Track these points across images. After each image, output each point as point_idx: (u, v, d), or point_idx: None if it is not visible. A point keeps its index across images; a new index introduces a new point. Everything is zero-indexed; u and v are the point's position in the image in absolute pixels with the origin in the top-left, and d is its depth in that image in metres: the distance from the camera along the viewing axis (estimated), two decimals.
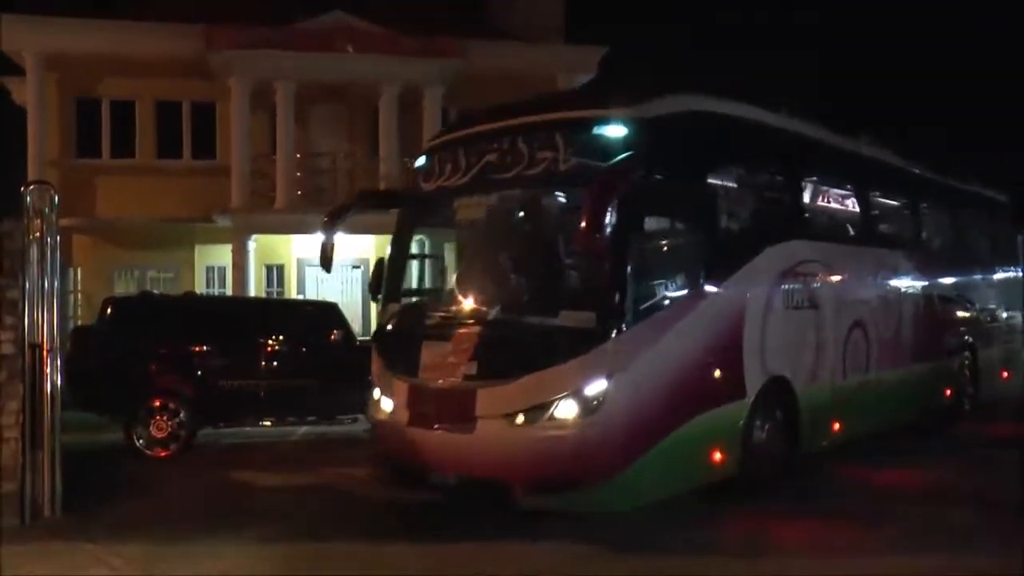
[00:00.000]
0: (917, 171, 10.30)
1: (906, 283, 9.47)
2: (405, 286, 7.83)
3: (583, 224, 5.48)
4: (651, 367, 6.02)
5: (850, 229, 8.89)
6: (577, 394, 5.78)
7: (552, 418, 5.79)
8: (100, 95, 18.73)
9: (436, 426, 6.28)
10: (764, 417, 7.04)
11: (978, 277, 11.61)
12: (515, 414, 5.88)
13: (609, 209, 5.59)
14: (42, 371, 6.67)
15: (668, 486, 6.26)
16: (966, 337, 10.83)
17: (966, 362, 10.81)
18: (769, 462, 7.05)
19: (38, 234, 6.72)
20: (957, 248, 11.13)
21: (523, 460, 5.93)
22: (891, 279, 9.19)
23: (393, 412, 6.70)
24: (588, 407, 5.77)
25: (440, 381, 6.32)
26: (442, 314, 6.86)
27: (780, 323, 7.16)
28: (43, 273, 6.73)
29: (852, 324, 8.25)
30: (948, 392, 10.29)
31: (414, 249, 8.18)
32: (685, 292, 6.34)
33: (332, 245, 7.27)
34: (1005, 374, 11.88)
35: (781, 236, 7.42)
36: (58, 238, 6.90)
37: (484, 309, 6.49)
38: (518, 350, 6.03)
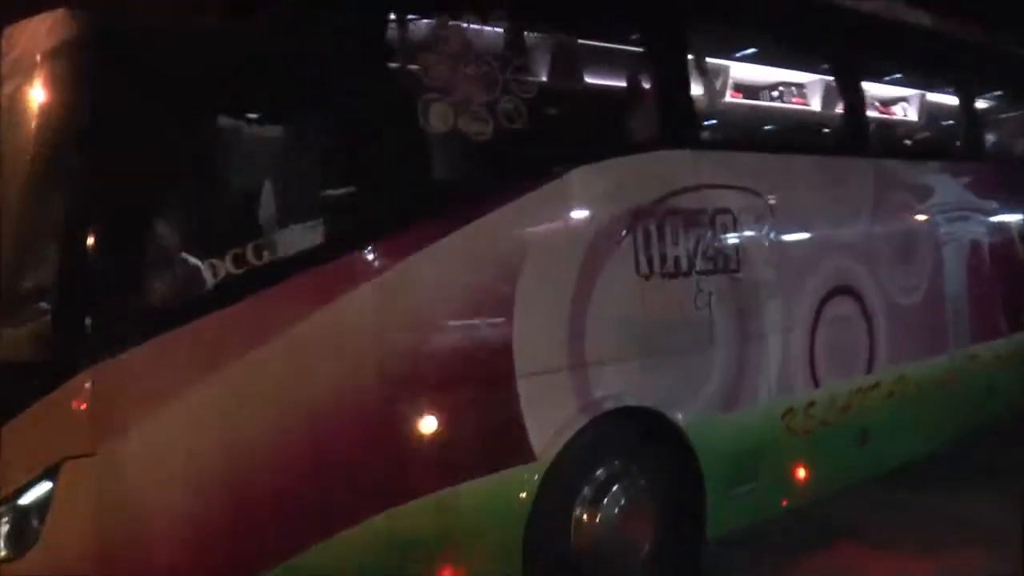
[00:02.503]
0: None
1: (953, 214, 5.61)
2: None
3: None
4: (206, 430, 2.70)
5: (823, 125, 5.24)
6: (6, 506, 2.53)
7: None
8: None
9: None
10: (599, 487, 3.58)
11: None
12: None
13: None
14: None
15: None
16: None
17: None
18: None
19: None
20: None
21: None
22: (919, 208, 5.37)
23: None
24: (21, 534, 2.50)
25: None
26: None
27: (631, 306, 3.72)
28: None
29: (828, 293, 4.61)
30: None
31: None
32: (314, 264, 2.99)
33: None
34: None
35: (616, 141, 3.92)
36: None
37: None
38: None
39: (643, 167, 3.83)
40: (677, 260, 3.87)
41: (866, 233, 4.90)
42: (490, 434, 3.28)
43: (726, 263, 4.08)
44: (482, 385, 3.26)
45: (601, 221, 3.62)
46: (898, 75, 6.00)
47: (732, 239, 4.12)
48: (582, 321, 3.51)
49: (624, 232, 3.68)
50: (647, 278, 3.74)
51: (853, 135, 5.04)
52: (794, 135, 5.39)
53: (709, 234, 4.01)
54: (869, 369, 4.87)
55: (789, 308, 4.40)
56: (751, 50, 5.09)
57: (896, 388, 5.03)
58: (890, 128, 5.97)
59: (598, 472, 3.61)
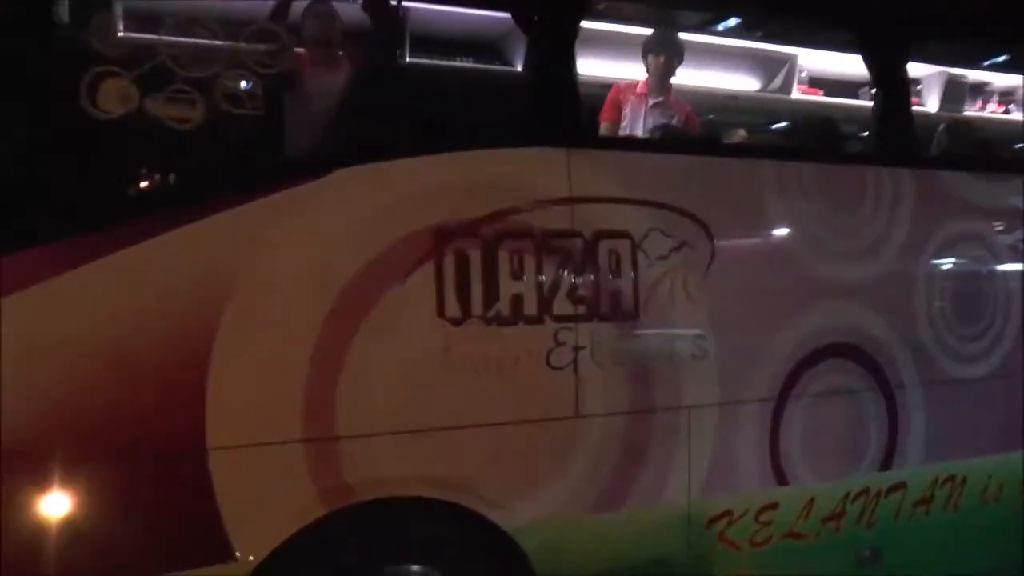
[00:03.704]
0: None
1: None
2: None
3: None
4: None
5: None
6: None
7: None
8: None
9: None
10: None
11: None
12: None
13: None
14: None
15: None
16: None
17: None
18: None
19: None
20: None
21: None
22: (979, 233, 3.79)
23: None
24: None
25: None
26: None
27: (425, 361, 2.72)
28: None
29: (812, 355, 3.30)
30: None
31: None
32: None
33: None
34: None
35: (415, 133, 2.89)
36: None
37: None
38: None
39: (465, 169, 2.80)
40: (518, 300, 2.80)
41: (888, 270, 3.47)
42: (168, 523, 2.44)
43: (614, 308, 2.94)
44: (153, 457, 2.42)
45: (378, 242, 2.64)
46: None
47: (627, 275, 2.96)
48: (332, 377, 2.57)
49: (419, 259, 2.67)
50: (457, 323, 2.71)
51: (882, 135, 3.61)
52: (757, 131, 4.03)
53: (583, 267, 2.89)
54: (886, 464, 3.46)
55: (732, 373, 3.14)
56: None
57: (938, 494, 3.55)
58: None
59: None
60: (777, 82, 5.08)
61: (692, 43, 4.37)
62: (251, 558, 2.47)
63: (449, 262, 2.70)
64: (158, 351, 2.41)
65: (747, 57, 4.98)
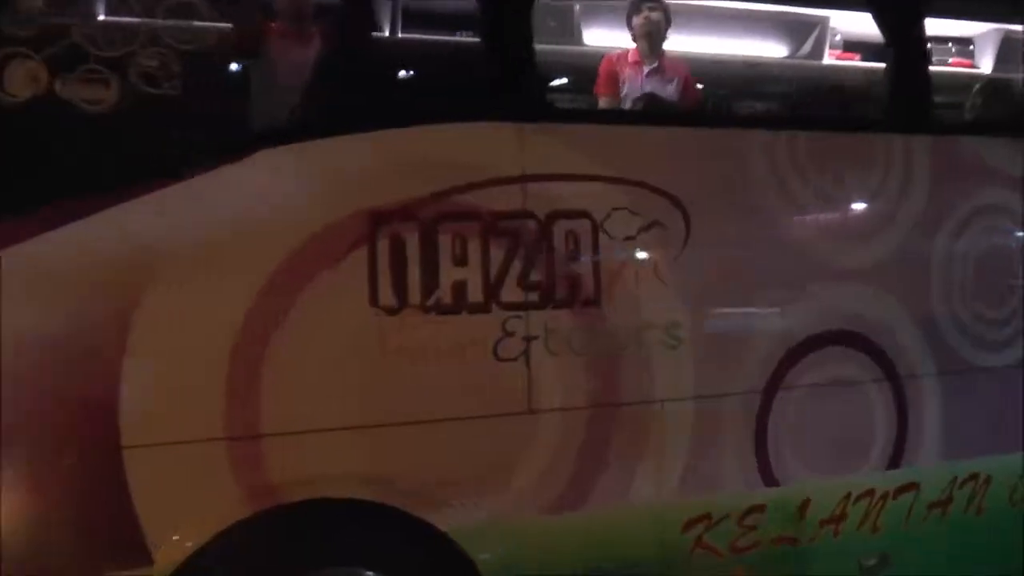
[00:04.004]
0: None
1: None
2: None
3: None
4: None
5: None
6: None
7: None
8: None
9: None
10: None
11: None
12: None
13: None
14: None
15: None
16: None
17: None
18: None
19: None
20: None
21: None
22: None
23: None
24: None
25: None
26: None
27: (359, 352, 2.55)
28: None
29: (805, 343, 3.05)
30: None
31: None
32: None
33: None
34: None
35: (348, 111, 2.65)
36: None
37: None
38: None
39: (402, 148, 2.60)
40: (461, 287, 2.60)
41: (899, 248, 3.14)
42: (82, 526, 2.34)
43: (571, 294, 2.72)
44: (65, 456, 2.32)
45: (306, 228, 2.48)
46: None
47: (587, 258, 2.73)
48: (256, 371, 2.43)
49: (350, 245, 2.50)
50: (392, 312, 2.54)
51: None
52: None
53: (536, 250, 2.68)
54: (894, 462, 3.15)
55: (711, 364, 2.89)
56: None
57: (957, 496, 3.23)
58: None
59: None
60: (807, 47, 4.70)
61: (712, 8, 4.08)
62: (169, 561, 2.36)
63: (383, 247, 2.52)
64: (69, 343, 2.31)
65: (774, 21, 4.63)
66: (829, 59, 4.66)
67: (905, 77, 3.27)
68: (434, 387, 2.59)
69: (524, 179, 2.66)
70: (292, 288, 2.45)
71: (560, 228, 2.70)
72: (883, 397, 3.14)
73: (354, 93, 2.64)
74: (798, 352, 3.00)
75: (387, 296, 2.53)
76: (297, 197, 2.50)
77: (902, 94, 3.26)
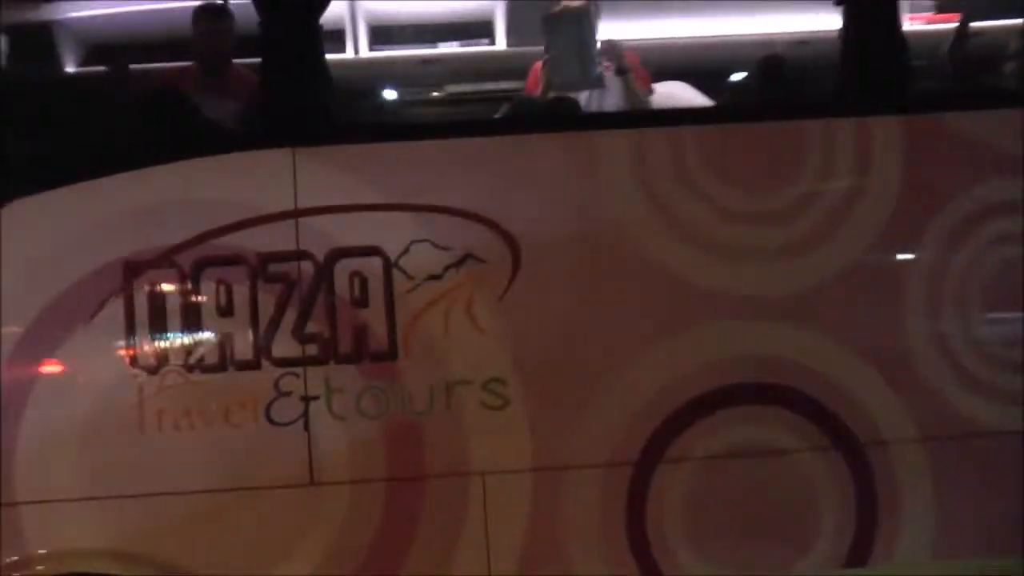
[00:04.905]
0: None
1: None
2: None
3: None
4: None
5: None
6: None
7: None
8: None
9: None
10: None
11: None
12: None
13: None
14: None
15: None
16: None
17: None
18: None
19: None
20: None
21: None
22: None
23: None
24: None
25: None
26: None
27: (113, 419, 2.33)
28: None
29: (689, 405, 2.33)
30: None
31: None
32: None
33: None
34: None
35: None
36: None
37: None
38: None
39: (157, 188, 2.35)
40: (226, 341, 2.31)
41: (850, 269, 2.30)
42: None
43: (358, 347, 2.30)
44: None
45: (59, 281, 2.32)
46: None
47: (378, 303, 2.30)
48: (9, 435, 2.30)
49: (105, 298, 2.31)
50: (152, 372, 2.31)
51: None
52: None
53: (313, 296, 2.30)
54: (857, 557, 2.32)
55: (554, 429, 2.31)
56: None
57: None
58: None
59: None
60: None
61: None
62: None
63: (141, 299, 2.30)
64: None
65: None
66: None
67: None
68: (200, 455, 2.31)
69: (297, 213, 2.30)
70: (45, 346, 2.31)
71: (343, 268, 2.30)
72: (830, 472, 2.31)
73: (108, 131, 2.44)
74: (691, 412, 2.30)
75: (146, 353, 2.30)
76: (49, 250, 2.35)
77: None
